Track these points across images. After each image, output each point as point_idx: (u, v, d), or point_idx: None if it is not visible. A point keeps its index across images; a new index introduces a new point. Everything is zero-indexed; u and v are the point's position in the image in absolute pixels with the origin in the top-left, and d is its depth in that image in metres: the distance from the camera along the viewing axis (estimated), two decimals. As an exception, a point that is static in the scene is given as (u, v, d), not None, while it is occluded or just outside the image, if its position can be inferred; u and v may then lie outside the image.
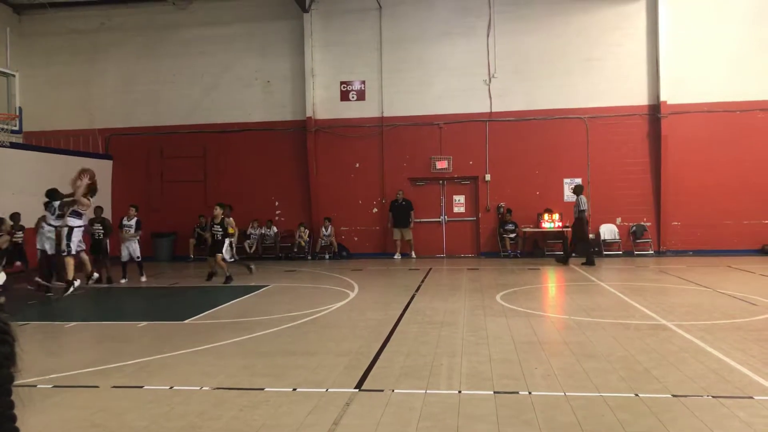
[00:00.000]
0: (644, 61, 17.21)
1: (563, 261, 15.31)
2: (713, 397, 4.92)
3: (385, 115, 18.15)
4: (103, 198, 18.25)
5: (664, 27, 16.91)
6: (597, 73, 17.32)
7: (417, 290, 11.33)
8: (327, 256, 17.82)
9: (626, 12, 17.35)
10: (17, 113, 15.52)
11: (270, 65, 18.60)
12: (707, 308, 8.98)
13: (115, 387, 5.57)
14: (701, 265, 14.51)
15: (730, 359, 5.99)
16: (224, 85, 18.82)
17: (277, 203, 18.62)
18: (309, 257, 17.83)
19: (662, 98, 16.89)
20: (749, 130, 16.67)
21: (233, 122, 18.60)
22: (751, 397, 4.90)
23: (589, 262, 14.88)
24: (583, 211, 14.93)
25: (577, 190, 15.20)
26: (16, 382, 1.62)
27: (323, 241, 17.94)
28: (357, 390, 5.30)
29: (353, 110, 18.26)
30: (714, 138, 16.77)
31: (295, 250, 17.91)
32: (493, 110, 17.72)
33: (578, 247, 15.28)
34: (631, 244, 17.24)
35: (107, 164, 18.99)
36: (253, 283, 12.59)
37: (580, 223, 14.95)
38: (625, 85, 17.24)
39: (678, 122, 16.81)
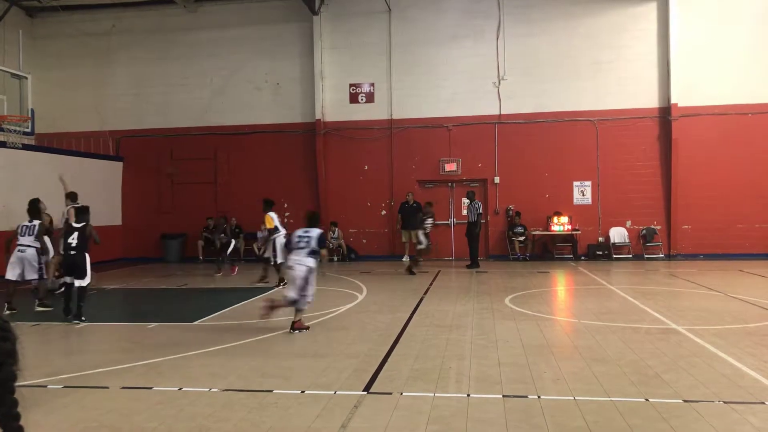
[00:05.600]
0: (654, 64, 17.12)
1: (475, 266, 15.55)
2: (725, 402, 4.88)
3: (394, 117, 18.17)
4: (114, 199, 18.43)
5: (675, 29, 16.81)
6: (607, 76, 17.25)
7: (425, 293, 11.32)
8: (335, 259, 17.83)
9: (636, 14, 17.27)
10: (29, 115, 15.65)
11: (279, 67, 18.66)
12: (718, 312, 8.91)
13: (124, 388, 5.60)
14: (712, 268, 14.40)
15: (741, 364, 5.94)
16: (234, 87, 18.91)
17: (285, 205, 18.63)
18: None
19: (673, 101, 16.78)
20: (761, 133, 16.52)
21: (243, 124, 18.67)
22: (763, 403, 4.86)
23: (475, 264, 15.58)
24: (481, 214, 15.93)
25: (471, 196, 15.96)
26: (21, 382, 1.62)
27: (331, 244, 17.94)
28: (365, 393, 5.29)
29: (362, 112, 18.29)
30: (725, 141, 16.64)
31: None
32: (502, 113, 17.68)
33: (472, 248, 15.79)
34: (641, 248, 17.13)
35: (118, 166, 19.14)
36: (261, 285, 12.61)
37: (475, 226, 15.60)
38: (635, 87, 17.15)
39: (689, 125, 16.69)
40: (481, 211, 15.95)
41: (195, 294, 12.43)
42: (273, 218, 12.36)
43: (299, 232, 8.11)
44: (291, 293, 7.82)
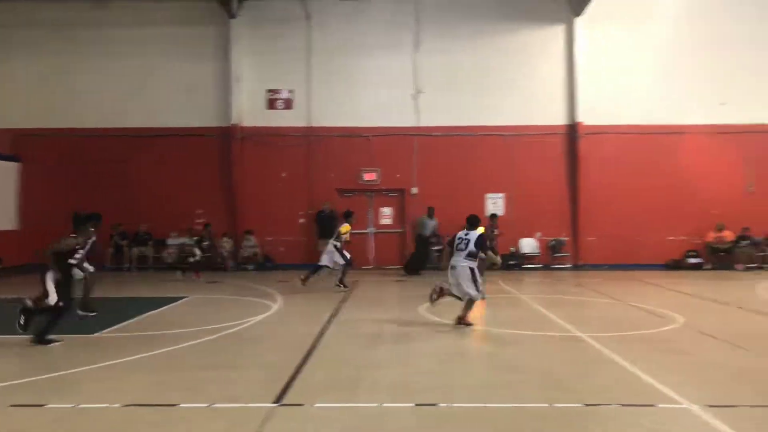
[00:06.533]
0: (563, 83, 17.98)
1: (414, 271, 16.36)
2: (621, 405, 5.14)
3: (313, 125, 18.05)
4: (7, 202, 17.22)
5: (581, 52, 17.75)
6: (519, 92, 17.90)
7: (343, 302, 11.26)
8: (251, 267, 17.44)
9: (547, 35, 18.09)
10: None
11: (195, 70, 18.08)
12: (618, 320, 9.42)
13: (14, 406, 5.19)
14: (614, 278, 15.21)
15: (637, 369, 6.28)
16: (147, 88, 18.12)
17: (199, 211, 18.05)
18: (232, 268, 17.37)
19: (579, 119, 17.71)
20: (658, 153, 17.67)
21: (156, 126, 17.88)
22: (654, 405, 5.15)
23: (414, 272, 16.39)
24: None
25: (431, 212, 17.05)
26: None
27: (246, 252, 17.55)
28: (276, 405, 5.17)
29: (280, 119, 18.04)
30: (626, 158, 17.68)
31: (218, 260, 17.41)
32: (420, 125, 17.98)
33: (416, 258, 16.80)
34: (550, 258, 17.88)
35: (12, 167, 17.84)
36: (170, 294, 12.11)
37: (428, 241, 16.88)
38: (545, 105, 17.93)
39: (594, 142, 17.62)
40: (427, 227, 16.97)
41: (97, 304, 11.72)
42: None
43: (460, 234, 8.77)
44: (454, 291, 8.66)
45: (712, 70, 17.55)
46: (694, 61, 17.65)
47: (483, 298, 8.83)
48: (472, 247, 8.51)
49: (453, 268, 8.62)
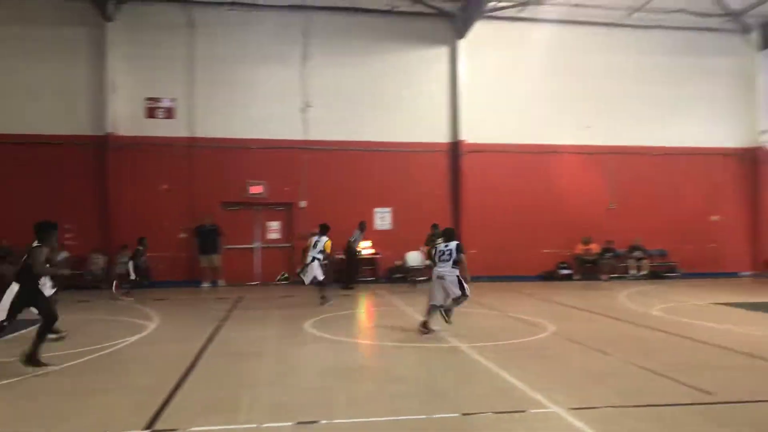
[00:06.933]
0: (447, 103, 18.71)
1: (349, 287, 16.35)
2: (495, 413, 5.34)
3: (197, 135, 17.42)
4: None
5: (463, 73, 18.60)
6: (407, 110, 18.38)
7: (224, 320, 10.88)
8: (126, 285, 16.38)
9: (432, 56, 18.76)
10: None
11: (66, 74, 16.84)
12: (495, 330, 9.85)
13: None
14: (494, 289, 15.89)
15: (511, 377, 6.57)
16: (9, 91, 16.63)
17: (67, 226, 16.70)
18: (105, 286, 16.26)
19: (461, 138, 18.48)
20: (533, 171, 18.83)
21: (18, 133, 16.43)
22: (525, 411, 5.40)
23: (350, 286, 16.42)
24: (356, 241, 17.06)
25: (363, 226, 16.98)
26: None
27: (121, 269, 16.49)
28: (148, 431, 4.87)
29: (161, 128, 17.23)
30: (505, 175, 18.68)
31: (89, 278, 16.23)
32: (308, 138, 17.91)
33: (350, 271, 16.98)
34: (434, 271, 18.37)
35: None
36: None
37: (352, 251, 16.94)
38: (431, 123, 18.54)
39: (475, 160, 18.44)
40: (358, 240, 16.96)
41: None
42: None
43: (440, 246, 9.40)
44: (438, 300, 9.12)
45: (578, 95, 19.02)
46: (563, 86, 19.01)
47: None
48: (455, 254, 9.13)
49: (441, 278, 9.10)
